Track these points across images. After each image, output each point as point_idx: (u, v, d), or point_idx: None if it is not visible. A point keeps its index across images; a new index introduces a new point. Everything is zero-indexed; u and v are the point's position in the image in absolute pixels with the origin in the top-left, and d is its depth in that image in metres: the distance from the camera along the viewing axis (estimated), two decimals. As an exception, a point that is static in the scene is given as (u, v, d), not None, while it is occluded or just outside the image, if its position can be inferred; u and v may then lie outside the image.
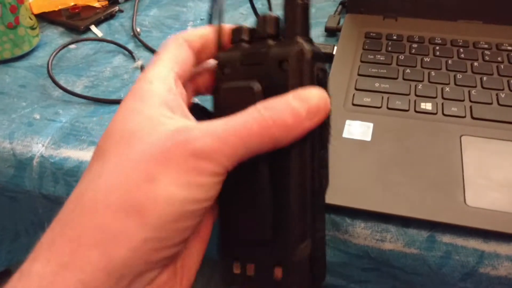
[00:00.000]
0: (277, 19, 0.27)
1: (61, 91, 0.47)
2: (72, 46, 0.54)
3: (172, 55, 0.26)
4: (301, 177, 0.25)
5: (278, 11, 0.28)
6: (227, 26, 0.29)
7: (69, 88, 0.47)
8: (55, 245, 0.20)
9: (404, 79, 0.45)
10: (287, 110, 0.22)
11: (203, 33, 0.28)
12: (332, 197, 0.34)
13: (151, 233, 0.21)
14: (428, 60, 0.47)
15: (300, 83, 0.24)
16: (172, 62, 0.26)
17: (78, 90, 0.47)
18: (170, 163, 0.21)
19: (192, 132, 0.22)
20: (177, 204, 0.21)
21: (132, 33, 0.56)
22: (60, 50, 0.51)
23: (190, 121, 0.25)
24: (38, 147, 0.41)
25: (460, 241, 0.32)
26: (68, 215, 0.21)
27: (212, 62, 0.29)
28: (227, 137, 0.22)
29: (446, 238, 0.33)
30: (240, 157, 0.22)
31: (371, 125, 0.40)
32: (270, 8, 0.36)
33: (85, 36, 0.56)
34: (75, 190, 0.22)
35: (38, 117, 0.44)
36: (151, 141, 0.22)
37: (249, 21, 0.55)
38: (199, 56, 0.28)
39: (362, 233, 0.34)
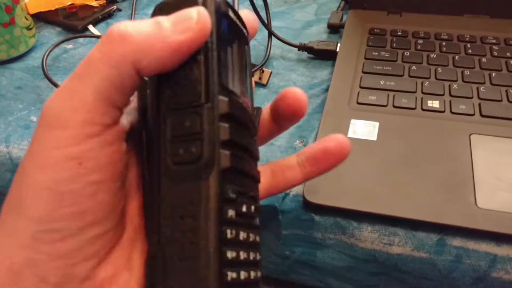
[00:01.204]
0: None
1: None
2: (70, 46, 0.53)
3: None
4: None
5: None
6: None
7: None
8: None
9: (410, 76, 0.44)
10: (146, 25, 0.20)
11: None
12: (337, 199, 0.33)
13: (36, 225, 0.19)
14: (435, 56, 0.46)
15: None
16: None
17: (75, 91, 0.46)
18: (33, 144, 0.20)
19: (48, 100, 0.20)
20: (49, 188, 0.19)
21: (130, 32, 0.55)
22: (55, 47, 0.50)
23: None
24: (35, 151, 0.40)
25: (471, 244, 0.31)
26: None
27: None
28: (82, 91, 0.19)
29: (457, 242, 0.32)
30: (107, 106, 0.20)
31: (376, 124, 0.38)
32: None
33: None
34: None
35: (35, 119, 0.43)
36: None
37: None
38: None
39: (369, 237, 0.33)
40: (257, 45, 0.51)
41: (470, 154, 0.35)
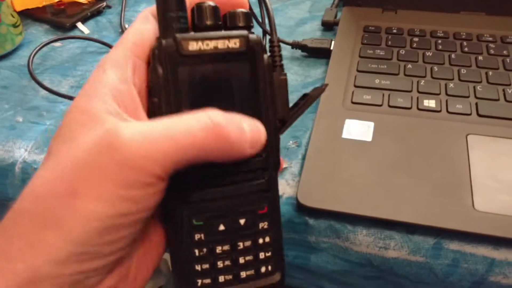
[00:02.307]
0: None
1: (45, 91, 0.44)
2: (57, 44, 0.52)
3: (134, 34, 0.23)
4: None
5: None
6: None
7: (54, 88, 0.44)
8: None
9: (405, 75, 0.43)
10: (236, 127, 0.21)
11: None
12: (331, 203, 0.32)
13: (75, 248, 0.20)
14: (430, 54, 0.45)
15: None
16: (133, 43, 0.23)
17: (63, 90, 0.45)
18: (94, 174, 0.20)
19: (121, 135, 0.20)
20: (101, 219, 0.20)
21: (120, 30, 0.53)
22: (41, 48, 0.48)
23: (137, 119, 0.22)
24: (21, 152, 0.39)
25: (468, 248, 0.31)
26: (1, 224, 0.21)
27: None
28: (164, 142, 0.20)
29: (454, 245, 0.31)
30: (177, 164, 0.20)
31: (371, 124, 0.37)
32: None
33: (71, 33, 0.54)
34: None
35: (21, 120, 0.42)
36: (83, 146, 0.20)
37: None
38: None
39: (364, 241, 0.32)
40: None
41: (467, 155, 0.34)
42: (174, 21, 0.23)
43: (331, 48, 0.47)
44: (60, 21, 0.54)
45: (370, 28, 0.49)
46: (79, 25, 0.54)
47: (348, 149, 0.36)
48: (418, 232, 0.31)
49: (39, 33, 0.54)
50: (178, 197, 0.23)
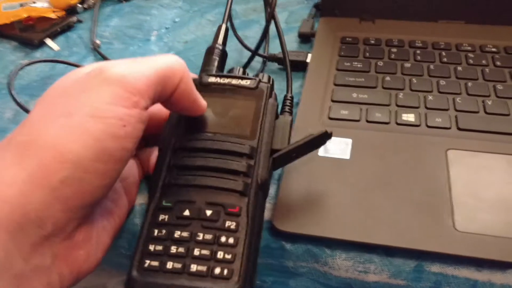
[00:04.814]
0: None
1: (10, 114, 0.42)
2: (25, 61, 0.50)
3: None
4: None
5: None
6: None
7: (21, 109, 0.42)
8: None
9: (384, 87, 0.42)
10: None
11: None
12: (308, 226, 0.31)
13: (69, 171, 0.21)
14: (409, 65, 0.44)
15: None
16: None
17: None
18: (86, 93, 0.22)
19: (108, 65, 0.24)
20: (94, 137, 0.21)
21: (91, 46, 0.52)
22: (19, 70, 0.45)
23: None
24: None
25: (450, 270, 0.30)
26: None
27: None
28: (143, 67, 0.24)
29: (435, 268, 0.30)
30: (154, 94, 0.24)
31: (349, 141, 0.36)
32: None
33: (40, 50, 0.52)
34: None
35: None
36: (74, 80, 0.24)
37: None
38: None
39: (343, 265, 0.31)
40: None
41: (447, 171, 0.33)
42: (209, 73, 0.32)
43: (308, 60, 0.45)
44: (28, 38, 0.52)
45: (347, 39, 0.48)
46: (48, 41, 0.52)
47: (325, 168, 0.34)
48: (398, 255, 0.30)
49: (6, 51, 0.52)
50: (158, 179, 0.26)
